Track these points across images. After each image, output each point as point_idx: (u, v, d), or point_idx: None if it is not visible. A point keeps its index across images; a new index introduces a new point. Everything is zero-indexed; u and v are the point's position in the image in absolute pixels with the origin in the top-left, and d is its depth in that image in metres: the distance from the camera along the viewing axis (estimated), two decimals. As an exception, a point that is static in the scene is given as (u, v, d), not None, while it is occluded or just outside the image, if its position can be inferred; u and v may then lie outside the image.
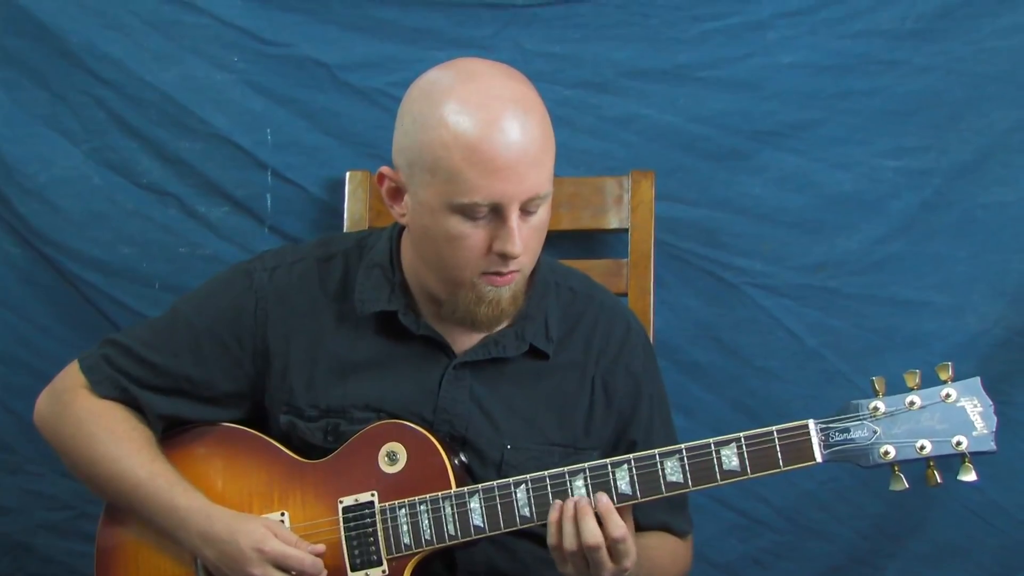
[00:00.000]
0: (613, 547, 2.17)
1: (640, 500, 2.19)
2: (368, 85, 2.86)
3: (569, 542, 2.17)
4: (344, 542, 2.29)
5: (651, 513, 2.26)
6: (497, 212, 2.20)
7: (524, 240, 2.21)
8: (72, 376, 2.42)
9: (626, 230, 2.80)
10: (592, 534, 2.16)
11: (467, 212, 2.20)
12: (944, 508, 2.83)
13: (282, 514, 2.32)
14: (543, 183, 2.21)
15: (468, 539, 2.26)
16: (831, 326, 2.85)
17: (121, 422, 2.37)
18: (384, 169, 2.29)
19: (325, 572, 2.27)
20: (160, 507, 2.31)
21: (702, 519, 2.58)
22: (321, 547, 2.28)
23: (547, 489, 2.22)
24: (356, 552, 2.28)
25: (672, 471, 2.18)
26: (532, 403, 2.37)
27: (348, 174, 2.84)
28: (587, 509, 2.17)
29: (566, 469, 2.22)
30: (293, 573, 2.26)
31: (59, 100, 2.87)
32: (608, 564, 2.17)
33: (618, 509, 2.18)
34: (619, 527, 2.16)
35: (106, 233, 2.89)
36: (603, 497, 2.17)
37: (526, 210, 2.21)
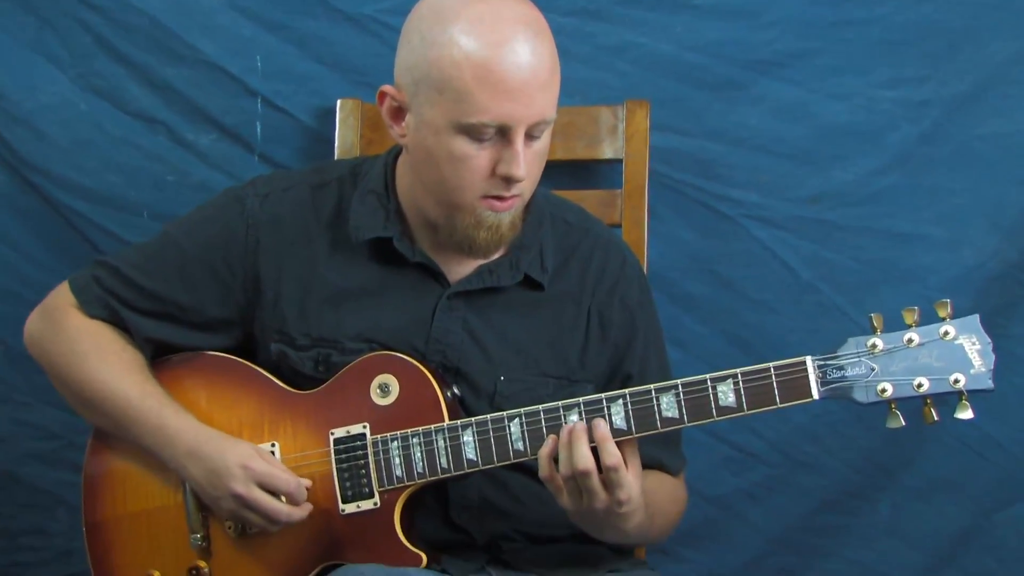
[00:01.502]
0: (606, 476, 2.13)
1: (635, 435, 2.16)
2: (360, 12, 2.80)
3: (564, 467, 2.14)
4: (335, 474, 2.27)
5: (644, 449, 2.21)
6: (503, 134, 2.18)
7: (527, 165, 2.19)
8: (62, 295, 2.40)
9: (620, 161, 2.76)
10: (583, 458, 2.12)
11: (473, 133, 2.17)
12: (938, 441, 2.81)
13: (272, 445, 2.29)
14: (550, 107, 2.20)
15: (461, 472, 2.24)
16: (827, 259, 2.82)
17: (111, 342, 2.36)
18: (386, 87, 2.25)
19: (309, 505, 2.26)
20: (149, 427, 2.29)
21: (695, 452, 2.57)
22: (308, 480, 2.26)
23: (541, 423, 2.19)
24: (347, 484, 2.26)
25: (668, 407, 2.15)
26: (526, 334, 2.34)
27: (339, 102, 2.78)
28: (581, 435, 2.13)
29: (560, 403, 2.19)
30: (282, 499, 2.24)
31: (45, 25, 2.82)
32: (601, 493, 2.13)
33: (625, 447, 2.15)
34: (612, 455, 2.12)
35: (93, 160, 2.86)
36: (601, 424, 2.14)
37: (531, 135, 2.19)
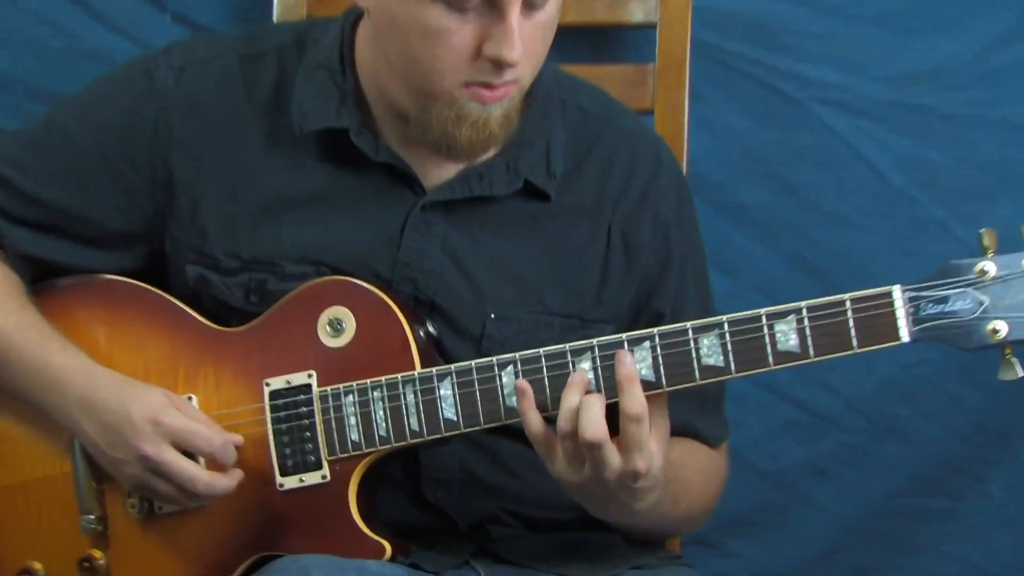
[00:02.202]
0: (623, 429, 2.10)
1: (666, 389, 2.15)
2: None
3: (564, 422, 2.11)
4: (272, 437, 2.27)
5: (674, 410, 2.18)
6: (492, 4, 2.14)
7: (525, 43, 2.16)
8: (-88, 199, 2.43)
9: (654, 25, 2.77)
10: (594, 424, 2.08)
11: (452, 1, 2.15)
12: (1070, 401, 2.83)
13: (189, 398, 2.30)
14: None
15: (436, 437, 2.23)
16: (926, 158, 2.82)
17: None
18: None
19: (239, 473, 2.26)
20: (28, 365, 2.30)
21: (745, 413, 2.62)
22: (238, 437, 2.27)
23: (543, 372, 2.18)
24: (287, 451, 2.27)
25: (709, 351, 2.14)
26: (525, 259, 2.35)
27: (280, -57, 2.84)
28: (598, 397, 2.12)
29: (568, 346, 2.17)
30: (201, 461, 2.25)
31: None
32: (611, 462, 2.10)
33: (650, 404, 2.11)
34: (638, 402, 2.09)
35: (-48, 21, 2.90)
36: (627, 358, 2.11)
37: (530, 3, 2.16)
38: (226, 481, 2.26)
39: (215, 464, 2.26)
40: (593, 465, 2.12)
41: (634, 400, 2.11)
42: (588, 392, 2.13)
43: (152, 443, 2.23)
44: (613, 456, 2.11)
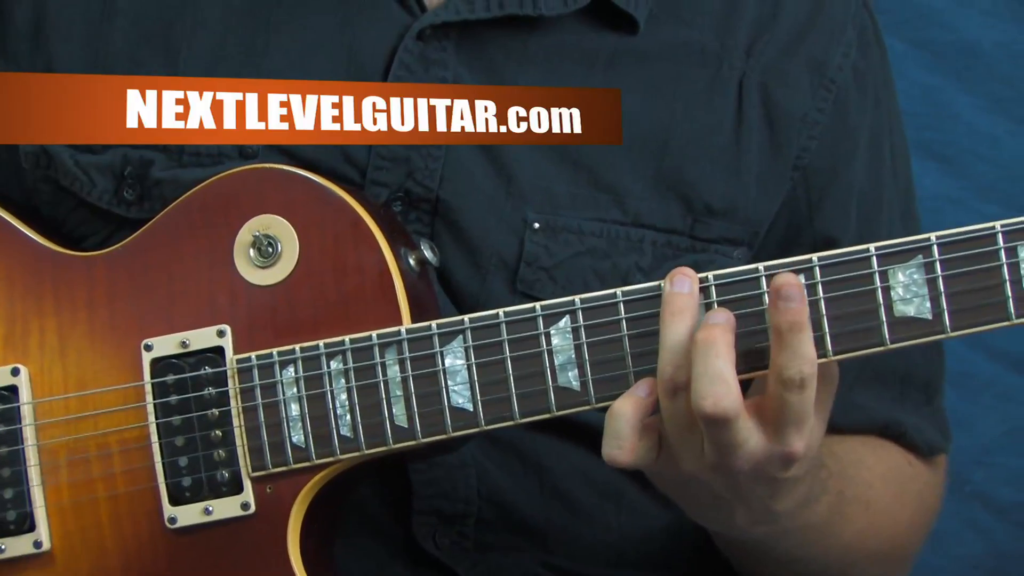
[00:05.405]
0: (780, 363, 1.97)
1: (833, 358, 2.02)
2: None
3: (667, 365, 2.02)
4: (156, 440, 2.16)
5: (860, 399, 2.21)
6: None
7: None
8: None
9: None
10: (716, 388, 1.99)
11: None
12: None
13: (14, 372, 2.22)
14: None
15: (438, 439, 2.11)
16: None
17: None
18: None
19: None
20: None
21: (969, 407, 2.70)
22: None
23: (621, 328, 2.08)
24: (182, 464, 2.16)
25: (907, 294, 2.03)
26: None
27: None
28: (723, 330, 1.99)
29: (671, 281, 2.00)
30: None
31: None
32: (750, 441, 1.99)
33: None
34: (805, 361, 1.99)
35: None
36: (792, 285, 1.98)
37: None
38: None
39: None
40: (717, 449, 1.99)
41: (799, 358, 1.97)
42: (710, 326, 2.00)
43: None
44: (751, 436, 2.00)
